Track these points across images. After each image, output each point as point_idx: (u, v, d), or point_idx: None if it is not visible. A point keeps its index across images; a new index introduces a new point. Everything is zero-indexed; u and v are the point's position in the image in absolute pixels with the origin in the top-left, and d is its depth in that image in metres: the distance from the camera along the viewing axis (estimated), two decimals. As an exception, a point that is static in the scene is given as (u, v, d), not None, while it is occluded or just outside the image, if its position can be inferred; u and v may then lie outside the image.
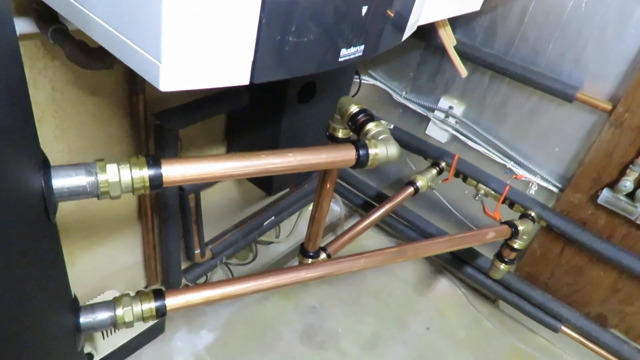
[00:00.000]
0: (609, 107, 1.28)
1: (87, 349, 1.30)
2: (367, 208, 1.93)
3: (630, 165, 1.26)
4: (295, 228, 1.96)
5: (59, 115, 1.00)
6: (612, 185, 1.31)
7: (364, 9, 0.67)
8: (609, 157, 1.31)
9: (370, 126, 0.80)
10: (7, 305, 0.47)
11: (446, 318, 1.77)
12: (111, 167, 0.57)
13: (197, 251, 1.46)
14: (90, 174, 0.57)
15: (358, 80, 1.73)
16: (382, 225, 2.02)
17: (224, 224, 1.64)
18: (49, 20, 0.79)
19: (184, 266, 1.53)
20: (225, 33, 0.53)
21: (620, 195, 1.29)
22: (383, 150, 0.74)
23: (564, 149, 1.44)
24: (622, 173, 1.29)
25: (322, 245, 1.17)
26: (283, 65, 0.62)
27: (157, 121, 1.12)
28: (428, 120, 1.68)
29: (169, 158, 0.62)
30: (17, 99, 0.45)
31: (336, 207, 2.06)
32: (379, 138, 0.77)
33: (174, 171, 0.61)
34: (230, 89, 1.31)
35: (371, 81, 1.76)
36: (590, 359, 1.60)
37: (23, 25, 0.83)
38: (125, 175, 0.58)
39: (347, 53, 0.70)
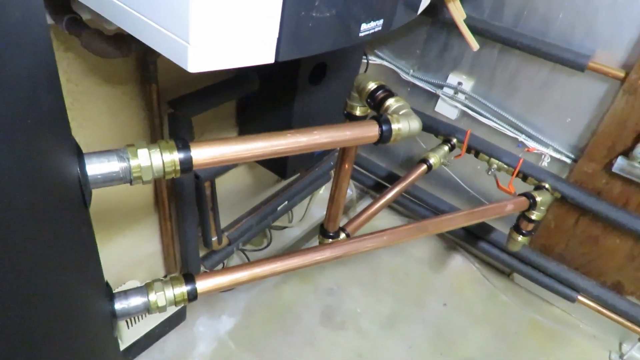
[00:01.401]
0: (622, 74, 1.27)
1: (113, 338, 1.32)
2: (378, 189, 1.93)
3: (645, 132, 1.26)
4: (307, 212, 1.97)
5: (74, 107, 0.99)
6: (627, 153, 1.31)
7: (383, -18, 0.66)
8: (623, 125, 1.31)
9: (391, 102, 0.79)
10: (55, 291, 0.47)
11: (462, 294, 1.79)
12: (142, 152, 0.58)
13: (214, 238, 1.47)
14: (123, 160, 0.57)
15: (365, 60, 1.72)
16: (393, 205, 2.02)
17: (238, 210, 1.65)
18: (62, 10, 0.79)
19: (201, 254, 1.54)
20: (251, 11, 0.53)
21: (635, 162, 1.29)
22: (405, 125, 0.74)
23: (577, 119, 1.43)
24: (637, 140, 1.28)
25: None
26: (306, 42, 0.61)
27: (171, 109, 1.12)
28: (437, 97, 1.67)
29: (197, 141, 0.62)
30: (53, 85, 0.45)
31: (348, 190, 2.06)
32: (400, 113, 0.77)
33: (203, 154, 0.61)
34: (242, 73, 1.30)
35: (378, 61, 1.75)
36: (607, 326, 1.62)
37: (36, 17, 0.82)
38: (156, 159, 0.58)
39: (367, 28, 0.69)
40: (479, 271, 1.87)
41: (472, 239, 1.76)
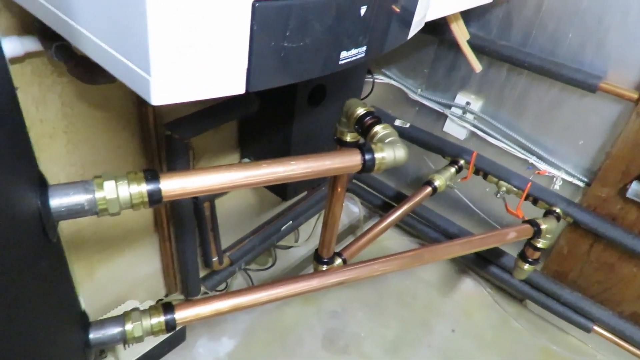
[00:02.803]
0: (635, 96, 1.22)
1: (110, 359, 1.31)
2: (386, 209, 1.89)
3: (661, 156, 1.20)
4: (314, 231, 1.95)
5: (69, 130, 1.00)
6: (642, 177, 1.25)
7: (363, 9, 0.64)
8: (637, 148, 1.25)
9: (377, 129, 0.77)
10: (7, 325, 0.46)
11: (472, 319, 1.72)
12: (109, 184, 0.57)
13: (215, 259, 1.46)
14: (88, 192, 0.56)
15: (371, 80, 1.70)
16: (403, 226, 1.98)
17: (241, 230, 1.64)
18: (51, 37, 0.79)
19: (202, 274, 1.53)
20: (215, 42, 0.52)
21: (650, 188, 1.23)
22: (390, 154, 0.72)
23: (589, 142, 1.37)
24: (652, 165, 1.22)
25: (340, 249, 1.15)
26: (280, 72, 0.60)
27: (168, 131, 1.12)
28: (445, 117, 1.64)
29: (168, 172, 0.61)
30: (4, 121, 0.44)
31: (355, 209, 2.04)
32: (386, 141, 0.74)
33: (173, 185, 0.60)
34: (240, 95, 1.30)
35: (385, 80, 1.73)
36: (626, 358, 1.53)
37: (29, 44, 0.84)
38: (123, 191, 0.57)
39: (348, 55, 0.67)
40: (490, 296, 1.80)
41: (483, 263, 1.71)
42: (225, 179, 0.62)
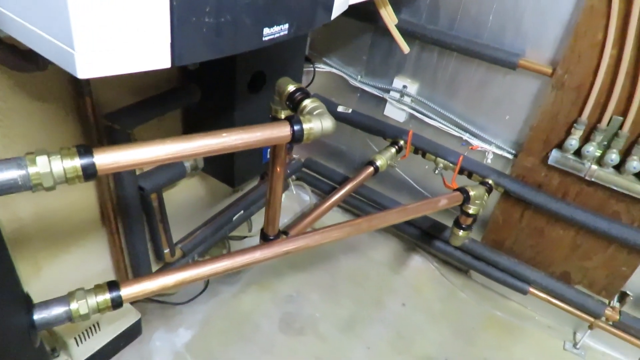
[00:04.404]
0: (549, 70, 1.33)
1: (63, 357, 1.30)
2: (335, 194, 1.95)
3: (574, 124, 1.31)
4: (267, 221, 1.98)
5: (4, 124, 1.00)
6: (560, 145, 1.36)
7: (282, -13, 0.69)
8: (555, 119, 1.36)
9: (306, 103, 0.82)
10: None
11: (421, 293, 1.81)
12: (41, 159, 0.59)
13: (167, 250, 1.47)
14: (21, 167, 0.58)
15: (312, 69, 1.75)
16: (352, 210, 2.05)
17: (193, 222, 1.65)
18: (-22, 27, 0.80)
19: (155, 267, 1.53)
20: (136, 17, 0.55)
21: (568, 154, 1.34)
22: (317, 124, 0.77)
23: (515, 116, 1.48)
24: (568, 132, 1.34)
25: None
26: (204, 46, 0.63)
27: (108, 122, 1.13)
28: (385, 101, 1.71)
29: (102, 146, 0.63)
30: None
31: (306, 197, 2.09)
32: (314, 113, 0.79)
33: (107, 159, 0.63)
34: (182, 84, 1.32)
35: (327, 68, 1.79)
36: (561, 316, 1.66)
37: (-46, 36, 0.83)
38: (56, 166, 0.59)
39: (271, 32, 0.72)
40: (438, 270, 1.90)
41: (428, 239, 1.80)
42: (159, 152, 0.65)
